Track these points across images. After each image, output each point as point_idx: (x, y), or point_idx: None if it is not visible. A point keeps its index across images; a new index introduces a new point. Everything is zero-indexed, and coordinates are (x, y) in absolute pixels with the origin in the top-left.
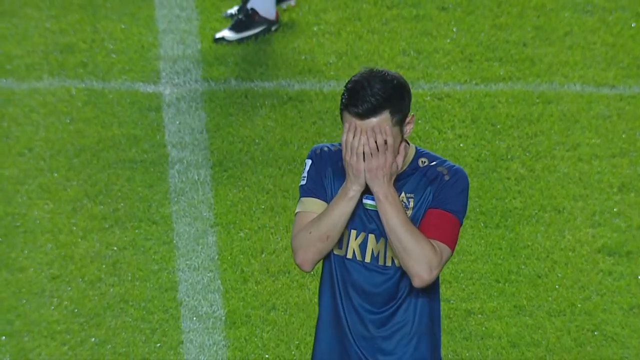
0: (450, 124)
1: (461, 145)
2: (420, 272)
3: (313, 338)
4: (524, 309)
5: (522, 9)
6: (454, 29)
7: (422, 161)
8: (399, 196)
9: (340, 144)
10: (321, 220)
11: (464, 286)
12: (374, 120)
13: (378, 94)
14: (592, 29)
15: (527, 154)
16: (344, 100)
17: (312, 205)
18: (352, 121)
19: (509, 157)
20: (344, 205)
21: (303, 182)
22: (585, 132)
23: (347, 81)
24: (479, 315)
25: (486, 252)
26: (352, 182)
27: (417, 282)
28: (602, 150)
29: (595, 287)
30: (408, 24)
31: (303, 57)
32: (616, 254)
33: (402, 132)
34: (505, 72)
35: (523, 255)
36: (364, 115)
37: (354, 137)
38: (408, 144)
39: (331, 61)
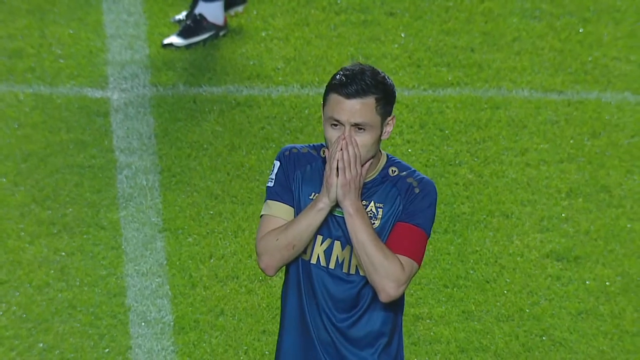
0: (399, 129)
1: (409, 150)
2: (387, 288)
3: (274, 346)
4: (473, 314)
5: (470, 14)
6: (402, 35)
7: (392, 170)
8: (369, 204)
9: (309, 145)
10: (288, 229)
11: (412, 291)
12: (359, 102)
13: (368, 78)
14: (539, 35)
15: (475, 159)
16: (333, 82)
17: (278, 210)
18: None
19: (457, 162)
20: (311, 217)
21: (270, 184)
22: (533, 138)
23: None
24: (427, 320)
25: (434, 257)
26: (324, 195)
27: (384, 298)
28: (550, 156)
29: (544, 292)
30: (356, 30)
31: (251, 63)
32: (564, 259)
33: (382, 127)
34: (453, 78)
35: (471, 261)
36: (351, 95)
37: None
38: (380, 151)
39: (279, 66)
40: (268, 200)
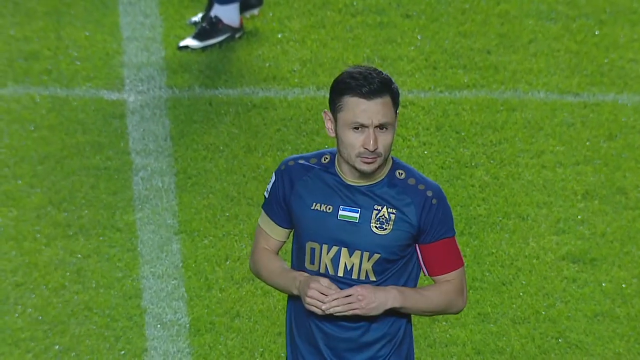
0: (415, 131)
1: (425, 152)
2: (456, 308)
3: (285, 348)
4: (488, 316)
5: (486, 16)
6: (418, 37)
7: (399, 172)
8: (381, 209)
9: (309, 155)
10: (269, 276)
11: None
12: (380, 102)
13: (379, 77)
14: (555, 37)
15: (491, 161)
16: (344, 85)
17: (268, 226)
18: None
19: (473, 164)
20: (289, 285)
21: (266, 194)
22: (549, 140)
23: (335, 78)
24: (443, 323)
25: None
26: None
27: (457, 313)
28: (566, 158)
29: (560, 294)
30: (372, 31)
31: (267, 65)
32: (580, 262)
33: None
34: (470, 80)
35: (487, 263)
36: (372, 94)
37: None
38: None
39: (295, 68)
40: (263, 210)
